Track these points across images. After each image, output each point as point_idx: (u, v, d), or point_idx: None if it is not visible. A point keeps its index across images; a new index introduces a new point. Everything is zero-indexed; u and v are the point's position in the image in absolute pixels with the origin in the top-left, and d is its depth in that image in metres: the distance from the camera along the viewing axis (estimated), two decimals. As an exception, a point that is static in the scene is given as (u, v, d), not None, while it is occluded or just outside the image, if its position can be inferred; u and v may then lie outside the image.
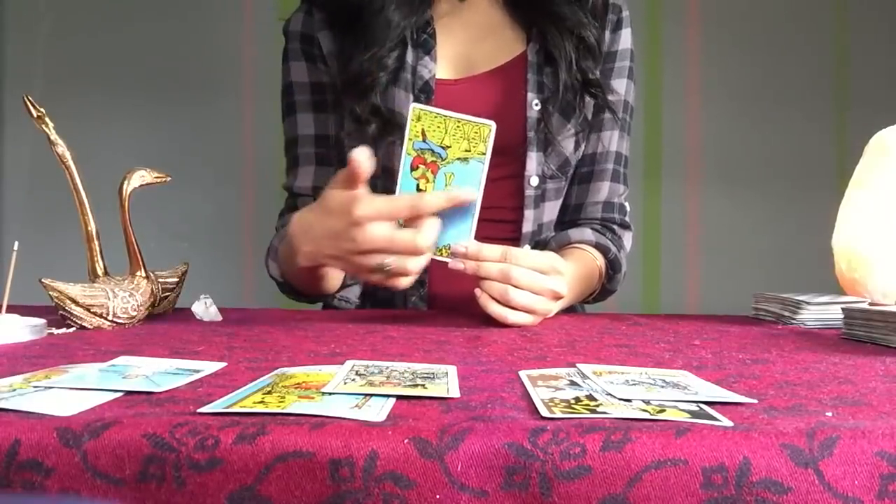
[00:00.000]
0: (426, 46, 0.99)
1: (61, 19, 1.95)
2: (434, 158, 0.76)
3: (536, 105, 0.98)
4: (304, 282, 0.94)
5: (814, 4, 2.00)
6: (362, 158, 0.72)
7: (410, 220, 0.73)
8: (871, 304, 0.80)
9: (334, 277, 0.94)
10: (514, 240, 1.00)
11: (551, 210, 1.03)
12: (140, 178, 0.80)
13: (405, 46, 0.97)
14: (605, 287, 1.03)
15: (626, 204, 1.08)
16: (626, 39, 1.06)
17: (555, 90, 0.97)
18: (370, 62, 0.94)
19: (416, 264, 0.73)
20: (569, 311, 0.96)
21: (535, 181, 0.99)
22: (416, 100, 0.96)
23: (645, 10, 1.94)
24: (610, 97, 1.02)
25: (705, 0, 1.99)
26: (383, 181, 0.99)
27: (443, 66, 1.00)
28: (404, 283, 0.74)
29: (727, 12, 1.99)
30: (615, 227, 1.05)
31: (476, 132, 0.75)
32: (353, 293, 1.03)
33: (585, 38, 0.98)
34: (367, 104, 0.95)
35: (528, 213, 1.00)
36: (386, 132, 0.96)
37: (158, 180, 0.82)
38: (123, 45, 1.95)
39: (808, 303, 0.81)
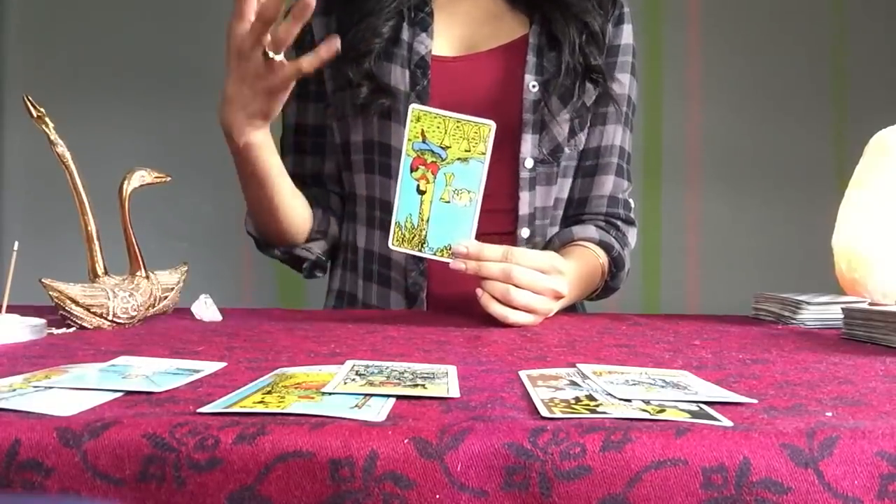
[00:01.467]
0: (423, 24, 1.00)
1: (61, 19, 1.95)
2: (434, 159, 0.76)
3: (534, 87, 0.98)
4: (254, 196, 0.96)
5: (813, 5, 2.00)
6: None
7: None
8: (871, 304, 0.80)
9: (279, 186, 0.95)
10: (511, 232, 1.00)
11: (543, 196, 1.02)
12: (140, 178, 0.80)
13: (401, 20, 0.99)
14: (607, 285, 1.03)
15: (631, 200, 1.08)
16: (627, 34, 1.06)
17: (555, 73, 0.98)
18: (364, 31, 0.96)
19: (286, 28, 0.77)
20: (569, 310, 0.96)
21: (529, 163, 0.99)
22: (413, 75, 0.97)
23: (645, 9, 1.94)
24: (613, 87, 1.03)
25: (705, 0, 1.99)
26: (379, 156, 1.00)
27: (442, 44, 1.01)
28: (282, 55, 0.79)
29: (727, 12, 1.99)
30: (619, 222, 1.05)
31: (476, 132, 0.75)
32: (319, 246, 1.05)
33: (590, 24, 0.99)
34: (360, 70, 0.97)
35: (524, 196, 1.00)
36: (377, 96, 0.97)
37: (158, 180, 0.82)
38: (123, 45, 1.95)
39: (808, 303, 0.81)
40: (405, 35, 0.98)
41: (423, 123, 0.76)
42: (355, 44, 0.96)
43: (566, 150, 1.03)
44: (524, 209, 1.00)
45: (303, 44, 1.04)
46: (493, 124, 0.75)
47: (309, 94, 1.07)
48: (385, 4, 0.97)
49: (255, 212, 1.00)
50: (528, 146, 0.99)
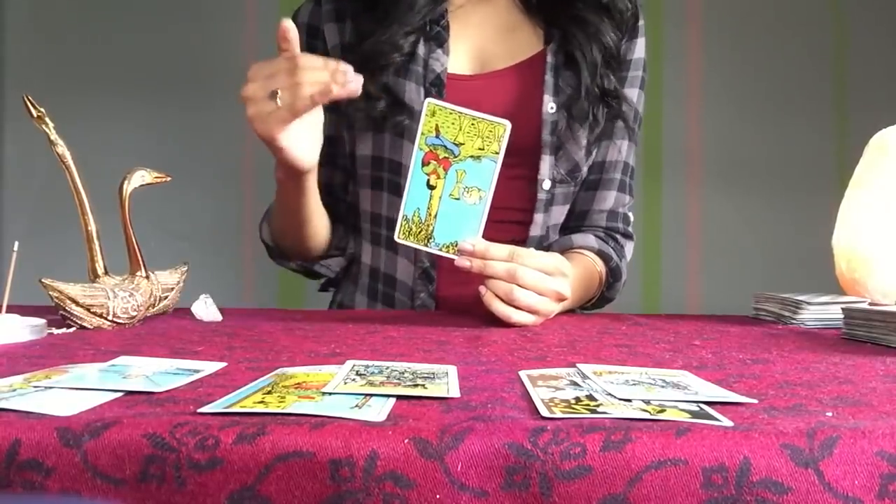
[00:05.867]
0: (439, 39, 0.98)
1: (61, 19, 1.95)
2: (446, 155, 0.76)
3: (552, 108, 0.97)
4: (285, 217, 0.96)
5: (813, 5, 2.00)
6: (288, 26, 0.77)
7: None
8: (871, 304, 0.80)
9: (314, 211, 0.95)
10: (521, 242, 1.00)
11: (559, 214, 1.02)
12: (140, 178, 0.80)
13: (420, 34, 0.97)
14: (603, 294, 1.03)
15: (630, 214, 1.08)
16: (640, 49, 1.06)
17: (573, 94, 0.97)
18: (384, 44, 0.95)
19: (308, 77, 0.76)
20: (567, 312, 0.96)
21: (547, 185, 0.99)
22: (428, 93, 0.96)
23: (645, 10, 1.93)
24: (623, 106, 1.02)
25: (706, 0, 1.99)
26: (390, 174, 0.99)
27: (457, 60, 0.99)
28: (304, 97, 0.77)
29: (728, 13, 1.99)
30: (618, 236, 1.05)
31: (491, 131, 0.75)
32: (337, 263, 1.05)
33: (608, 46, 0.98)
34: (378, 82, 0.95)
35: (538, 217, 0.99)
36: (393, 112, 0.96)
37: (158, 180, 0.82)
38: (124, 44, 1.95)
39: (808, 303, 0.81)
40: (421, 50, 0.97)
41: (437, 118, 0.75)
42: (374, 56, 0.95)
43: (583, 169, 1.02)
44: (536, 231, 0.99)
45: (315, 50, 1.04)
46: (508, 124, 0.75)
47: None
48: (407, 18, 0.95)
49: (285, 223, 0.99)
50: (547, 167, 0.98)
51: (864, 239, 0.82)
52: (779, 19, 1.99)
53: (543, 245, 1.01)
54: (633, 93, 1.05)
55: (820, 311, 0.81)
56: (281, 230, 1.01)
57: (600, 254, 1.00)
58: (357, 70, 0.97)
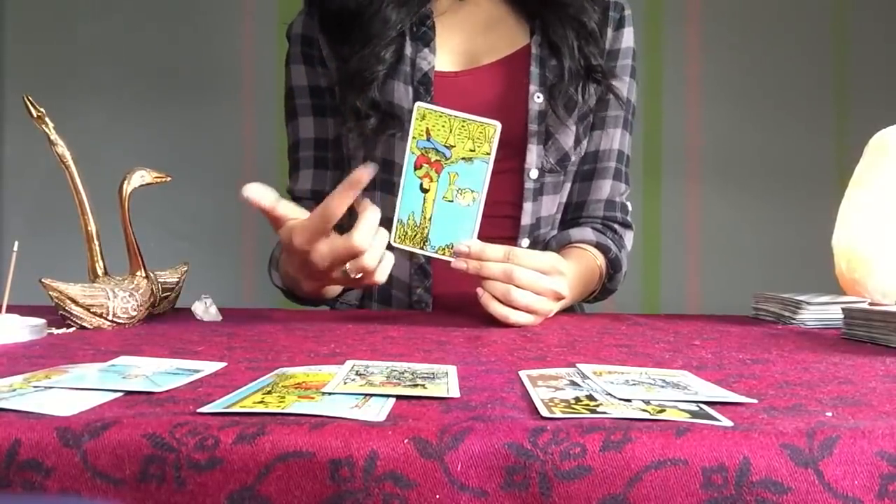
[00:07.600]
0: (425, 39, 0.99)
1: (61, 19, 1.95)
2: (438, 157, 0.76)
3: (538, 98, 0.98)
4: (308, 295, 0.95)
5: (813, 4, 2.00)
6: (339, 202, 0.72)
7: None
8: (871, 304, 0.80)
9: (335, 287, 0.95)
10: (513, 238, 1.00)
11: (549, 205, 1.03)
12: (140, 178, 0.80)
13: (403, 40, 0.98)
14: (605, 286, 1.03)
15: (628, 203, 1.08)
16: (628, 38, 1.06)
17: (558, 80, 0.98)
18: (368, 58, 0.95)
19: (370, 260, 0.74)
20: (568, 310, 0.97)
21: (534, 174, 0.99)
22: (416, 92, 0.97)
23: (645, 9, 1.94)
24: (612, 86, 1.02)
25: (705, 0, 1.99)
26: (381, 173, 0.99)
27: (444, 58, 1.00)
28: (377, 278, 0.77)
29: (727, 12, 1.99)
30: (616, 226, 1.05)
31: (481, 132, 0.75)
32: (354, 295, 1.05)
33: (586, 24, 0.99)
34: (366, 99, 0.96)
35: (527, 206, 1.00)
36: (385, 126, 0.96)
37: (158, 180, 0.82)
38: (124, 45, 1.95)
39: (808, 303, 0.81)
40: (408, 50, 0.98)
41: (427, 122, 0.76)
42: (361, 70, 0.95)
43: (573, 157, 1.03)
44: (526, 220, 1.00)
45: (311, 59, 1.05)
46: (498, 125, 0.75)
47: (326, 108, 1.05)
48: (389, 26, 0.96)
49: (294, 290, 0.97)
50: (534, 157, 0.99)
51: (864, 239, 0.82)
52: (778, 19, 1.99)
53: (535, 234, 1.02)
54: (623, 81, 1.05)
55: (820, 311, 0.81)
56: (294, 286, 0.98)
57: (599, 246, 1.00)
58: (346, 87, 0.97)
